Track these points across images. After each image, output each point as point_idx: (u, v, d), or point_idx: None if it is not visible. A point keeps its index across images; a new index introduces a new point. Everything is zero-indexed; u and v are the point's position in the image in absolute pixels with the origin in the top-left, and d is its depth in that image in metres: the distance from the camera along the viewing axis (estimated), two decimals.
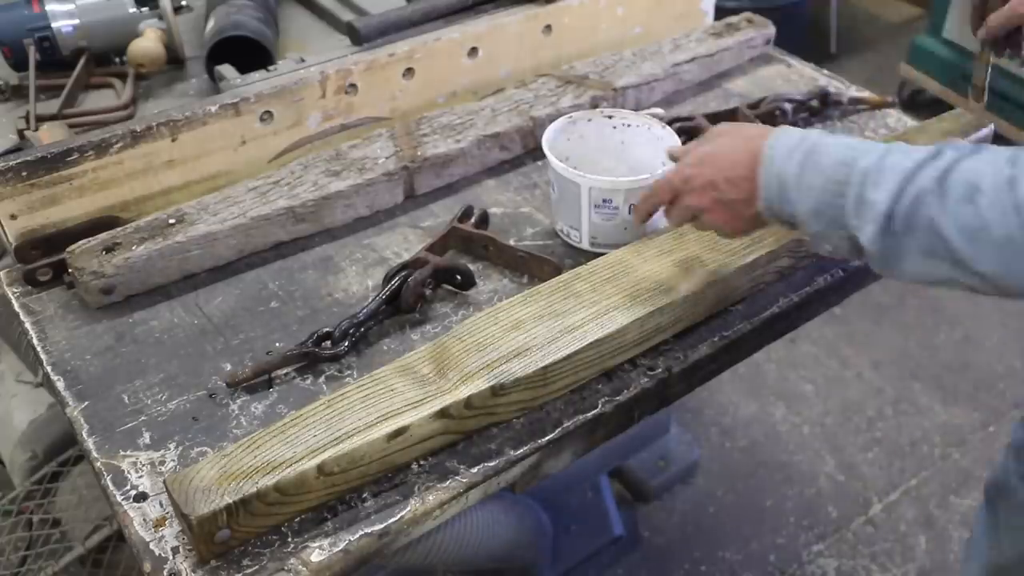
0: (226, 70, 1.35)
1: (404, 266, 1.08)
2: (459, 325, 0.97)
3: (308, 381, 1.00)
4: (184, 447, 0.92)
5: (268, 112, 1.24)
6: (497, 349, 0.93)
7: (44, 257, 1.13)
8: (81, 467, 1.66)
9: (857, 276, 1.17)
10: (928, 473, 2.16)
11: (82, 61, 1.47)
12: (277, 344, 1.05)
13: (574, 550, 1.86)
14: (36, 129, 1.31)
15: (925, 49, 3.14)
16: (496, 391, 0.91)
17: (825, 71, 1.55)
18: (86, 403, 0.97)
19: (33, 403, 1.70)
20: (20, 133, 1.31)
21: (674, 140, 1.18)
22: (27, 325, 1.08)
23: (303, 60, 1.35)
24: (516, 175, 1.33)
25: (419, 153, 1.26)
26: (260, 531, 0.83)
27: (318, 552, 0.82)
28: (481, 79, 1.42)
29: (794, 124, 1.41)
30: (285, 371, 1.00)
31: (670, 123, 1.36)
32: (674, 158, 1.03)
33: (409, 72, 1.34)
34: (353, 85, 1.29)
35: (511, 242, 1.16)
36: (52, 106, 1.38)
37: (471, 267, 1.11)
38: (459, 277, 1.10)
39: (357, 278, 1.14)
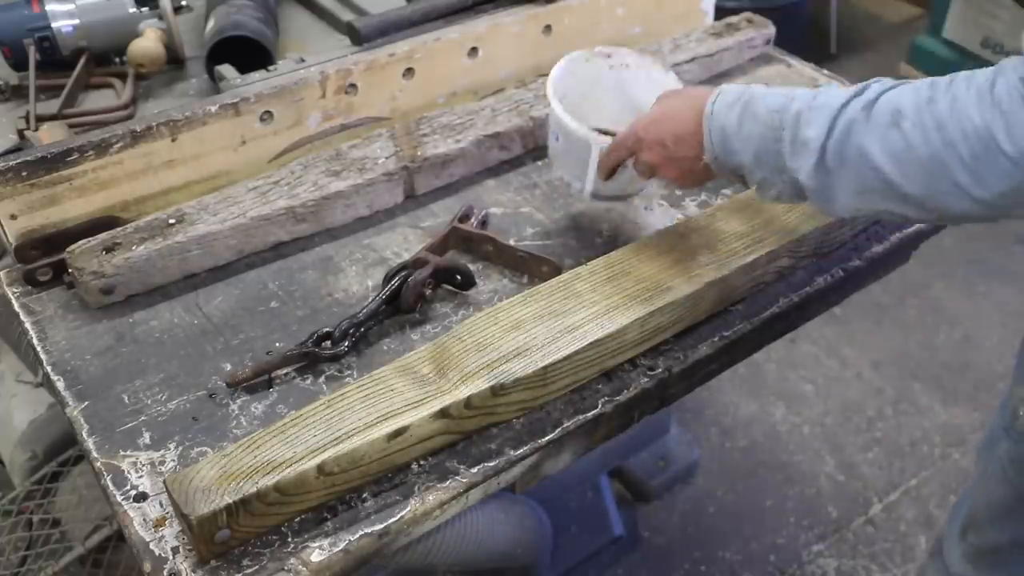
0: (226, 70, 1.34)
1: (404, 266, 1.08)
2: (459, 325, 0.97)
3: (308, 381, 1.00)
4: (184, 447, 0.92)
5: (268, 112, 1.24)
6: (497, 349, 0.93)
7: (44, 257, 1.13)
8: (81, 467, 1.66)
9: (857, 276, 1.17)
10: (928, 473, 2.16)
11: (82, 61, 1.46)
12: (277, 344, 1.05)
13: (574, 550, 1.86)
14: (36, 129, 1.31)
15: (925, 49, 3.14)
16: (496, 391, 0.91)
17: (825, 71, 1.55)
18: (86, 403, 0.97)
19: (33, 403, 1.70)
20: (20, 133, 1.31)
21: (672, 81, 1.18)
22: (27, 325, 1.08)
23: (303, 60, 1.35)
24: (516, 175, 1.33)
25: (419, 153, 1.26)
26: (260, 531, 0.83)
27: (318, 552, 0.82)
28: (481, 79, 1.42)
29: None
30: (285, 371, 1.00)
31: None
32: None
33: (409, 72, 1.34)
34: (353, 85, 1.29)
35: (511, 242, 1.16)
36: (52, 106, 1.38)
37: (471, 267, 1.11)
38: (459, 277, 1.10)
39: (357, 278, 1.14)
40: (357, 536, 0.84)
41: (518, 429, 0.94)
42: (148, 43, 1.47)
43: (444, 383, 0.90)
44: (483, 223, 1.20)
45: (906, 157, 0.78)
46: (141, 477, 0.89)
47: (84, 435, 0.94)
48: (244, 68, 1.34)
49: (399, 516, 0.86)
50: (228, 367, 1.02)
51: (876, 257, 1.18)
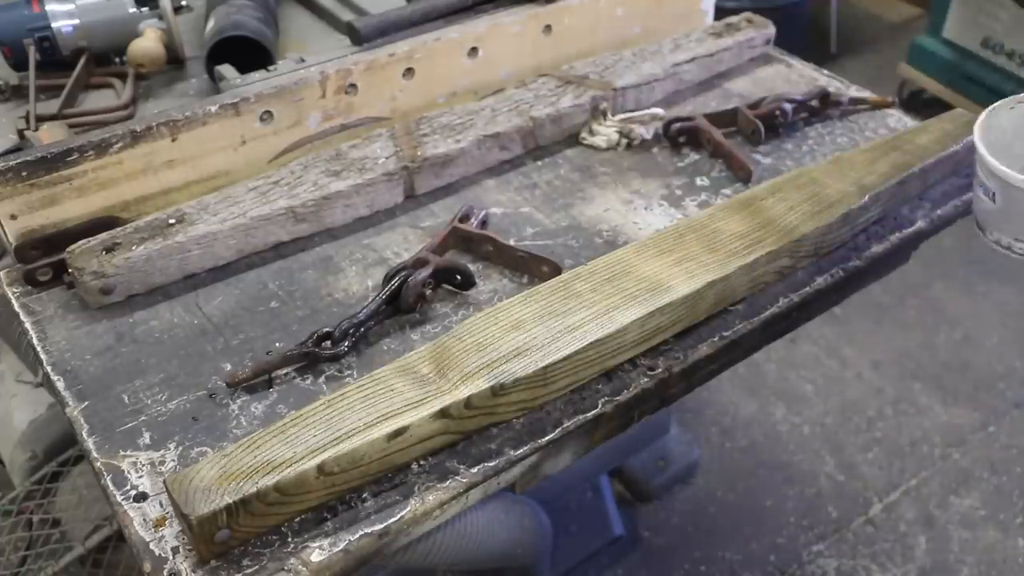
0: (226, 70, 1.35)
1: (404, 266, 1.08)
2: (459, 325, 0.97)
3: (308, 381, 1.00)
4: (184, 447, 0.92)
5: (268, 112, 1.24)
6: (497, 349, 0.93)
7: (44, 257, 1.13)
8: (81, 467, 1.66)
9: (857, 276, 1.17)
10: (928, 473, 2.16)
11: (82, 61, 1.47)
12: (277, 344, 1.05)
13: (574, 550, 1.86)
14: (36, 129, 1.31)
15: (925, 49, 3.14)
16: (496, 391, 0.91)
17: (825, 71, 1.56)
18: (86, 403, 0.97)
19: (33, 403, 1.70)
20: (20, 133, 1.31)
21: None
22: (27, 325, 1.08)
23: (303, 60, 1.36)
24: (516, 175, 1.33)
25: (419, 153, 1.26)
26: (260, 531, 0.83)
27: (318, 552, 0.82)
28: (481, 79, 1.42)
29: (793, 124, 1.41)
30: (285, 371, 1.00)
31: (669, 123, 1.37)
32: None
33: (409, 72, 1.34)
34: (353, 85, 1.29)
35: (511, 242, 1.16)
36: (52, 106, 1.38)
37: (471, 267, 1.11)
38: (459, 277, 1.10)
39: (357, 278, 1.14)
40: (357, 536, 0.84)
41: (518, 429, 0.94)
42: (148, 43, 1.47)
43: (444, 383, 0.90)
44: (483, 223, 1.20)
45: None
46: (141, 477, 0.89)
47: (84, 435, 0.94)
48: (244, 68, 1.34)
49: (399, 516, 0.86)
50: (228, 367, 1.02)
51: (876, 257, 1.17)
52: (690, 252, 1.06)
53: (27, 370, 1.72)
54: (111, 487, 0.88)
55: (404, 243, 1.20)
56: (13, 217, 1.12)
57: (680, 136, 1.36)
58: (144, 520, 0.85)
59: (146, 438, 0.93)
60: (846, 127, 1.42)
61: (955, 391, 2.35)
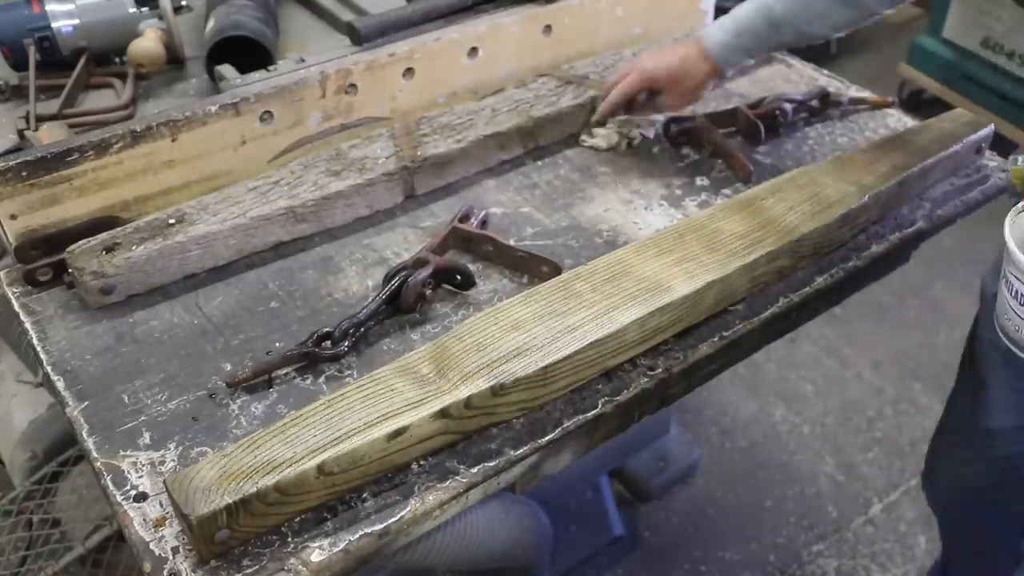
0: (226, 70, 1.34)
1: (404, 266, 1.08)
2: (459, 325, 0.97)
3: (308, 381, 1.00)
4: (184, 447, 0.92)
5: (268, 112, 1.24)
6: (497, 349, 0.93)
7: (44, 257, 1.13)
8: (81, 467, 1.66)
9: (857, 276, 1.17)
10: None
11: (82, 61, 1.46)
12: (277, 344, 1.05)
13: (574, 550, 1.86)
14: (36, 129, 1.31)
15: (925, 49, 3.14)
16: (496, 391, 0.91)
17: (825, 71, 1.56)
18: (86, 403, 0.97)
19: (33, 403, 1.70)
20: (20, 133, 1.31)
21: None
22: (27, 325, 1.08)
23: (303, 60, 1.35)
24: (516, 175, 1.33)
25: (419, 153, 1.26)
26: (260, 531, 0.83)
27: (318, 552, 0.82)
28: (481, 79, 1.42)
29: (794, 124, 1.41)
30: (285, 371, 1.00)
31: (669, 123, 1.37)
32: None
33: (409, 72, 1.34)
34: (353, 85, 1.29)
35: (511, 242, 1.16)
36: (52, 106, 1.38)
37: (471, 267, 1.11)
38: (459, 277, 1.10)
39: (357, 278, 1.14)
40: (357, 536, 0.84)
41: (518, 429, 0.94)
42: (148, 43, 1.47)
43: (444, 383, 0.90)
44: (483, 223, 1.20)
45: None
46: (141, 477, 0.89)
47: (84, 435, 0.94)
48: (244, 68, 1.34)
49: (399, 516, 0.85)
50: (228, 367, 1.02)
51: (876, 257, 1.18)
52: (690, 252, 1.06)
53: (27, 370, 1.72)
54: (111, 487, 0.88)
55: (404, 243, 1.20)
56: (13, 217, 1.12)
57: (680, 136, 1.36)
58: (144, 520, 0.85)
59: (146, 438, 0.93)
60: (846, 127, 1.42)
61: None
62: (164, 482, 0.82)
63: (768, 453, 2.20)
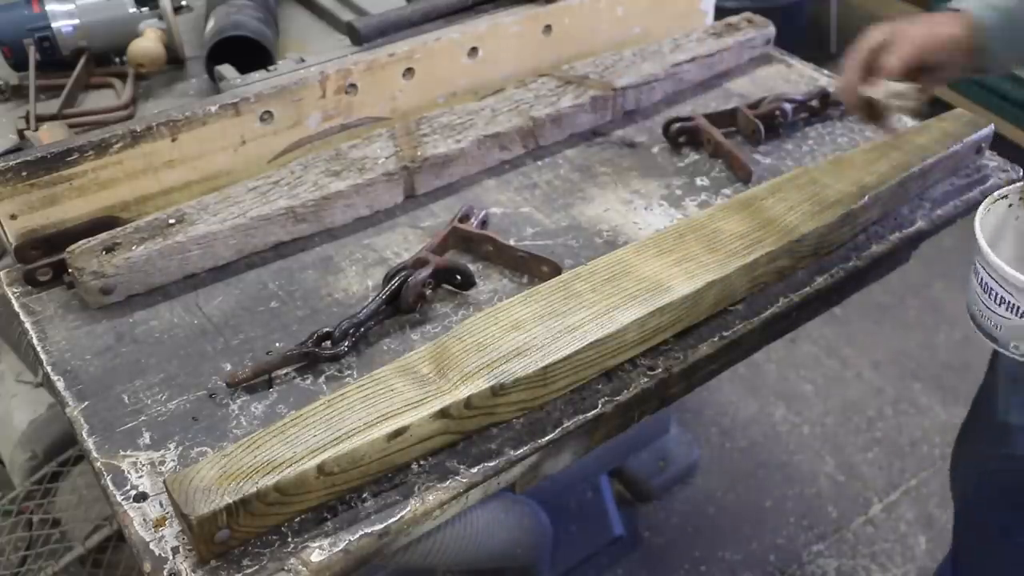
0: (226, 70, 1.34)
1: (404, 266, 1.08)
2: (459, 325, 0.97)
3: (308, 381, 1.00)
4: (184, 447, 0.92)
5: (268, 112, 1.24)
6: (497, 349, 0.93)
7: (44, 257, 1.13)
8: (81, 467, 1.66)
9: (857, 276, 1.17)
10: (928, 473, 2.16)
11: (82, 61, 1.46)
12: (277, 344, 1.05)
13: (574, 550, 1.86)
14: (36, 129, 1.31)
15: None
16: (496, 391, 0.91)
17: (825, 71, 1.56)
18: (86, 403, 0.97)
19: (33, 403, 1.70)
20: (20, 133, 1.31)
21: None
22: (27, 325, 1.08)
23: (303, 60, 1.35)
24: (516, 175, 1.33)
25: (419, 153, 1.26)
26: (260, 531, 0.83)
27: (318, 552, 0.82)
28: (481, 79, 1.42)
29: (794, 124, 1.41)
30: (285, 371, 1.00)
31: (670, 123, 1.37)
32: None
33: (409, 72, 1.34)
34: (353, 85, 1.29)
35: (511, 242, 1.16)
36: (52, 106, 1.38)
37: (471, 267, 1.11)
38: (459, 277, 1.10)
39: (357, 278, 1.14)
40: (357, 536, 0.84)
41: (518, 429, 0.94)
42: (148, 43, 1.47)
43: (444, 383, 0.90)
44: (483, 223, 1.20)
45: None
46: (141, 477, 0.89)
47: (84, 435, 0.94)
48: (244, 68, 1.34)
49: (399, 516, 0.86)
50: (228, 367, 1.02)
51: (876, 257, 1.18)
52: (690, 252, 1.06)
53: (27, 370, 1.72)
54: (111, 487, 0.88)
55: (404, 243, 1.20)
56: (13, 217, 1.12)
57: (680, 136, 1.36)
58: (144, 520, 0.85)
59: (146, 438, 0.93)
60: (846, 127, 1.42)
61: (955, 391, 2.35)
62: (164, 482, 0.82)
63: (768, 453, 2.21)
